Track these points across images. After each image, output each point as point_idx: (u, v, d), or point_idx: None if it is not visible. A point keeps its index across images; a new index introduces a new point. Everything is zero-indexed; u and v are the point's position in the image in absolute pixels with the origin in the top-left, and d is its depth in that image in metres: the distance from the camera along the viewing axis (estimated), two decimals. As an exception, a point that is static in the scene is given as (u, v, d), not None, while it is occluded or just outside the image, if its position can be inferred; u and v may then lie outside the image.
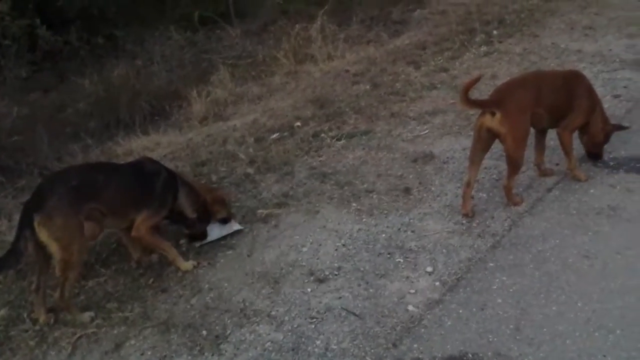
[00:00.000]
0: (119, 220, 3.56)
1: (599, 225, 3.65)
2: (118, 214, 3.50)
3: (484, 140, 3.81)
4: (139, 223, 3.53)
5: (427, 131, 4.96)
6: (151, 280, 3.63)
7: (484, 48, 6.38)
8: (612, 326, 2.92)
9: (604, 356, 2.77)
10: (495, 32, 6.80)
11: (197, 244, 3.90)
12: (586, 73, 4.48)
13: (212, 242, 3.92)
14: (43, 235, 3.14)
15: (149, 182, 3.59)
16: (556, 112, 3.94)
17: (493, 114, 3.70)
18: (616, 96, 5.22)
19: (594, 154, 4.24)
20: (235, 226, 4.01)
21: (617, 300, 3.08)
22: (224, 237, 3.94)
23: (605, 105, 4.93)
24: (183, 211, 3.76)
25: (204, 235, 3.90)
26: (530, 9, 7.35)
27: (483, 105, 3.81)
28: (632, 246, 3.42)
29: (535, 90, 3.84)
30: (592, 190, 3.98)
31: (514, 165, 3.83)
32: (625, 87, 5.31)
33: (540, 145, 4.19)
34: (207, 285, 3.54)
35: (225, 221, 3.96)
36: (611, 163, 4.23)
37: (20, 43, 7.36)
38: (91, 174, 3.49)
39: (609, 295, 3.11)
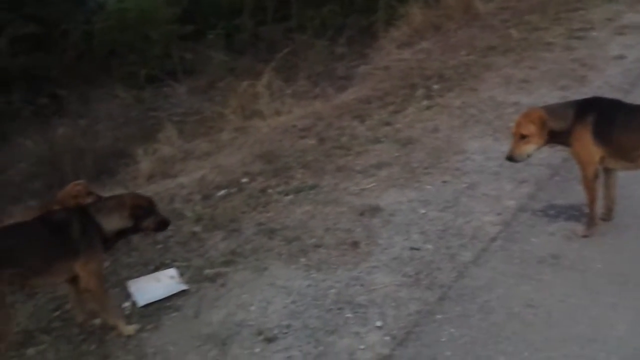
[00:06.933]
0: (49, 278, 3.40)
1: (541, 273, 3.74)
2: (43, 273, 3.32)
3: None
4: (84, 274, 3.34)
5: (373, 184, 5.02)
6: (94, 346, 3.50)
7: (425, 102, 6.57)
8: (558, 374, 2.97)
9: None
10: (435, 86, 7.02)
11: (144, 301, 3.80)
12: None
13: (157, 302, 3.83)
14: None
15: (62, 232, 3.35)
16: None
17: None
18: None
19: None
20: (181, 286, 3.95)
21: (560, 348, 3.13)
22: (169, 298, 3.86)
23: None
24: (120, 229, 3.54)
25: (164, 222, 3.73)
26: (467, 64, 7.63)
27: None
28: (573, 294, 3.51)
29: None
30: (533, 239, 4.09)
31: None
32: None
33: None
34: (152, 350, 3.44)
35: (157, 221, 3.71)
36: (550, 211, 4.37)
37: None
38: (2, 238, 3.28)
39: (553, 344, 3.17)
